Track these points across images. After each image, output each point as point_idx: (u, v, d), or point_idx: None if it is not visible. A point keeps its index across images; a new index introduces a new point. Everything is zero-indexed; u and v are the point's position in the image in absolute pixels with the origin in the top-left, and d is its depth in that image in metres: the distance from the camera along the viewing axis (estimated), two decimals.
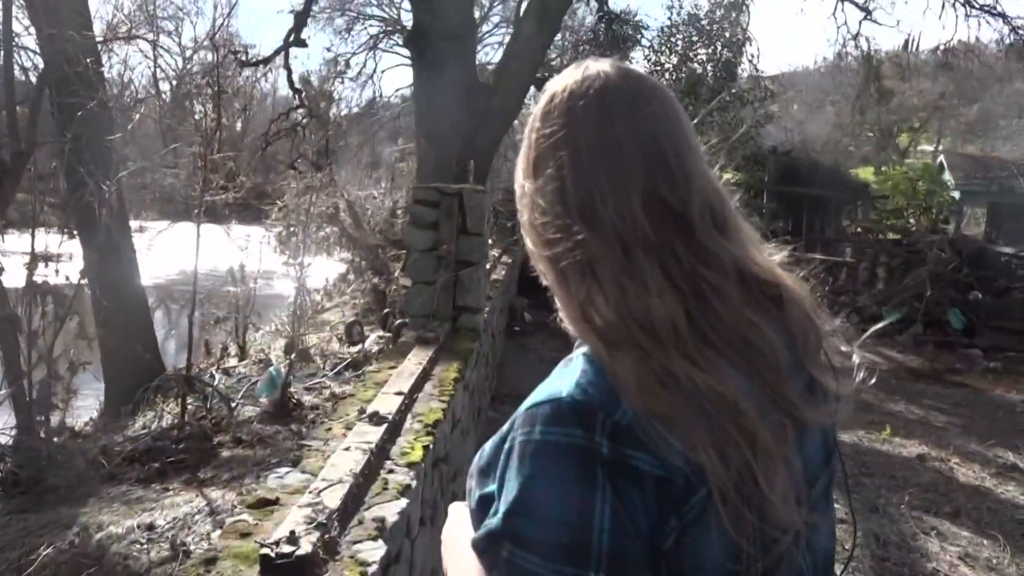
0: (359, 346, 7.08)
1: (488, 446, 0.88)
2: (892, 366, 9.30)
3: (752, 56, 14.90)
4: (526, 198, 0.91)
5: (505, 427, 0.82)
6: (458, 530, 0.97)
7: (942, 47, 13.75)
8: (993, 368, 9.45)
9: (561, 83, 0.92)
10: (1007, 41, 12.86)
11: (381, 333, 7.14)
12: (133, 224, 10.45)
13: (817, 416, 0.87)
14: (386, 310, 7.94)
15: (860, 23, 14.45)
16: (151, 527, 3.76)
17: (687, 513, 0.74)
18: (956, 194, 16.47)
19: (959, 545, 4.34)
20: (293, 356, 5.74)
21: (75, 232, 4.85)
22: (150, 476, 4.50)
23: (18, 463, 4.47)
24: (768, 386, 0.81)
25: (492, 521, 0.76)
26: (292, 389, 5.46)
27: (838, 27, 15.05)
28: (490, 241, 11.11)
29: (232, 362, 7.07)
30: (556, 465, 0.73)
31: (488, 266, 8.00)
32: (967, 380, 8.85)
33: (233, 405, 5.38)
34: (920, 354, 9.81)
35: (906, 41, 14.80)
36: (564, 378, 0.78)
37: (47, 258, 4.49)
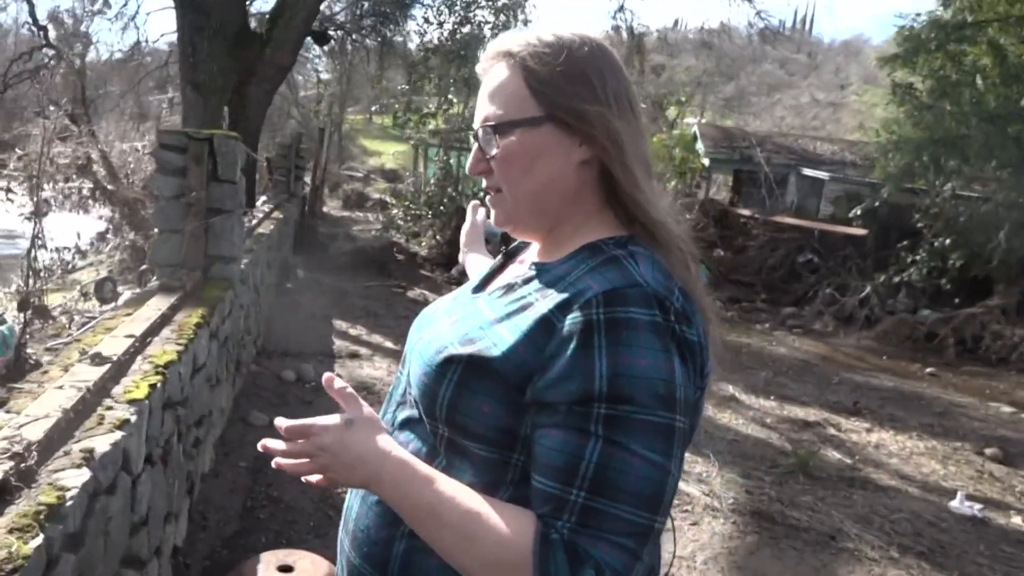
0: (111, 304, 6.65)
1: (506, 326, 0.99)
2: None
3: (528, 22, 15.38)
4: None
5: (535, 314, 0.97)
6: (445, 503, 0.93)
7: (704, 27, 15.00)
8: (730, 317, 10.68)
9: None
10: (756, 25, 14.32)
11: (137, 290, 6.75)
12: None
13: None
14: (143, 266, 7.50)
15: None
16: None
17: (707, 375, 1.00)
18: (706, 161, 18.15)
19: None
20: (28, 313, 5.29)
21: None
22: None
23: None
24: None
25: (589, 386, 0.88)
26: (30, 350, 5.06)
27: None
28: (264, 197, 10.79)
29: None
30: (646, 336, 0.89)
31: (254, 220, 7.80)
32: None
33: None
34: None
35: (676, 21, 15.99)
36: (626, 270, 0.95)
37: None
